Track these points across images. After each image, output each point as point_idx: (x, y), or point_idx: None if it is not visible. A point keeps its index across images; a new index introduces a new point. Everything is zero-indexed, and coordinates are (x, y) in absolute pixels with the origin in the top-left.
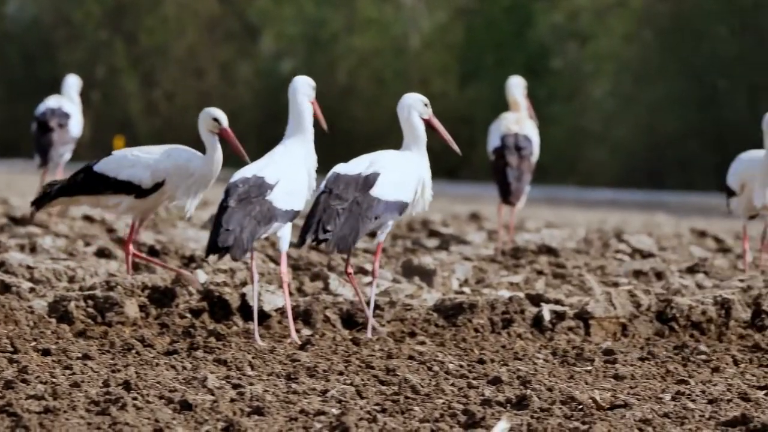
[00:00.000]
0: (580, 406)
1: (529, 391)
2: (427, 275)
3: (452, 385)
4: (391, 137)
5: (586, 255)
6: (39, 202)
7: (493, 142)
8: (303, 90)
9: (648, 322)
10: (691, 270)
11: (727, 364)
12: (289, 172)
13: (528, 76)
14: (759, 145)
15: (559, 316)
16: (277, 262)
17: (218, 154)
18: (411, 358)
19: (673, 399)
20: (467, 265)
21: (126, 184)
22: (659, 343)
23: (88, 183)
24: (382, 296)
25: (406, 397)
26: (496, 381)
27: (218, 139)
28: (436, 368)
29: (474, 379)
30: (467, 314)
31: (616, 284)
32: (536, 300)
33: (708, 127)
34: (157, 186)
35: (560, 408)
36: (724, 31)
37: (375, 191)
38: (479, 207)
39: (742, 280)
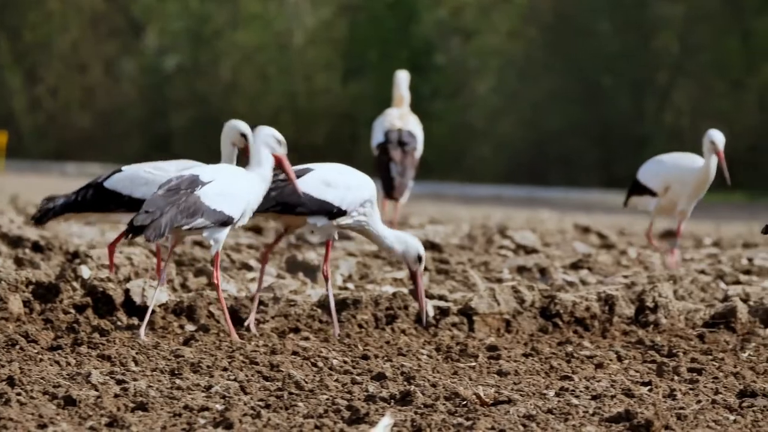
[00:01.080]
0: (464, 402)
1: (413, 387)
2: (311, 271)
3: (336, 380)
4: None
5: (470, 251)
6: (41, 219)
7: (377, 137)
8: (264, 140)
9: (532, 318)
10: (575, 266)
11: (610, 360)
12: (230, 176)
13: (412, 72)
14: (641, 141)
15: (442, 312)
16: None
17: None
18: (295, 353)
19: (557, 395)
20: (351, 261)
21: (141, 203)
22: (543, 339)
23: (99, 200)
24: (266, 292)
25: (290, 393)
26: (380, 377)
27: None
28: (320, 364)
29: (358, 375)
30: (351, 310)
31: (500, 280)
32: None
33: (591, 124)
34: None
35: (444, 404)
36: (607, 27)
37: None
38: None
39: (625, 276)
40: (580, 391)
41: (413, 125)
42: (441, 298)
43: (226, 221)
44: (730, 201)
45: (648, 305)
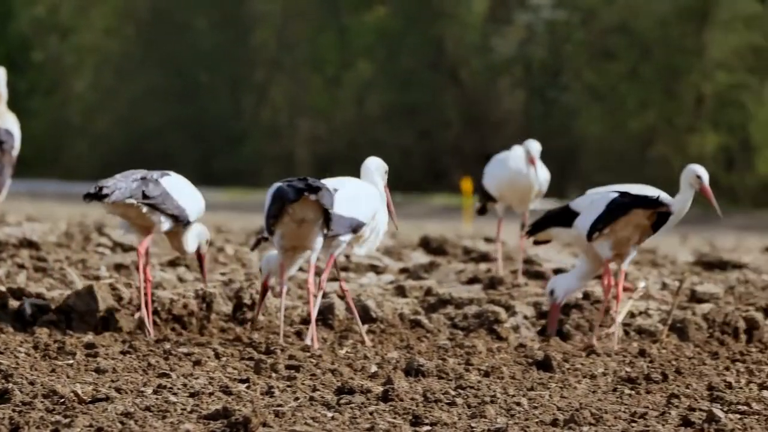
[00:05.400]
0: (62, 400)
1: (11, 385)
2: None
3: None
4: None
5: (67, 249)
6: None
7: None
8: (376, 170)
9: (129, 316)
10: (173, 263)
11: (208, 357)
12: (355, 184)
13: (9, 69)
14: (239, 138)
15: (41, 310)
16: None
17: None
18: None
19: (155, 392)
20: None
21: None
22: (141, 336)
23: None
24: None
25: None
26: None
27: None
28: None
29: None
30: None
31: (97, 278)
32: (18, 294)
33: (189, 120)
34: None
35: (42, 401)
36: (204, 23)
37: None
38: None
39: (223, 274)
40: (178, 389)
41: (10, 123)
42: (39, 296)
43: (354, 227)
44: None
45: (246, 302)
